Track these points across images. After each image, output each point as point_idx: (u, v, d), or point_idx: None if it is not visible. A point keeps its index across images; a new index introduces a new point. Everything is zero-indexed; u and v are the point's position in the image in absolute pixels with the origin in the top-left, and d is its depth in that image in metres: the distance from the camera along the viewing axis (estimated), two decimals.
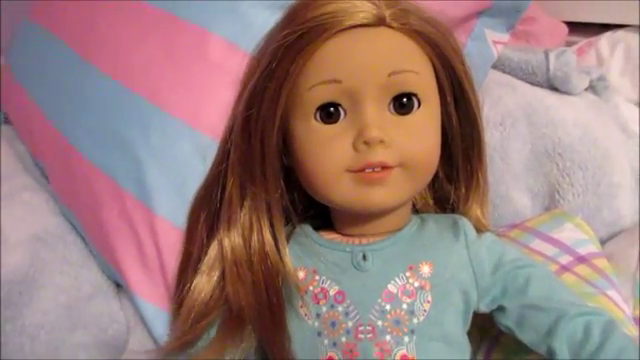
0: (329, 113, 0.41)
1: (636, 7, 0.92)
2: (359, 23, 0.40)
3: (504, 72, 0.76)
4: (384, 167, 0.40)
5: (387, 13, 0.40)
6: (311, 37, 0.40)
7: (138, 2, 0.58)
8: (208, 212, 0.46)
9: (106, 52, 0.58)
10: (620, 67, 0.92)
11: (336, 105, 0.41)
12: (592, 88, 0.75)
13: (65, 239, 0.60)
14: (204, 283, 0.44)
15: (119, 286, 0.58)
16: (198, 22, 0.53)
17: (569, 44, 0.99)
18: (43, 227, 0.60)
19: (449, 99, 0.44)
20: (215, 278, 0.44)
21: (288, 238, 0.45)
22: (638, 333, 0.47)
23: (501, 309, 0.42)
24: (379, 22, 0.40)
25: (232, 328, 0.42)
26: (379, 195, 0.40)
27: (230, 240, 0.43)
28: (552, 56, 0.73)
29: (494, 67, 0.76)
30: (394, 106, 0.41)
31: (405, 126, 0.41)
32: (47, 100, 0.64)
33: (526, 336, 0.41)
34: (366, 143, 0.39)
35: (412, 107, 0.41)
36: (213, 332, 0.44)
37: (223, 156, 0.45)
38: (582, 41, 0.98)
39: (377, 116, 0.40)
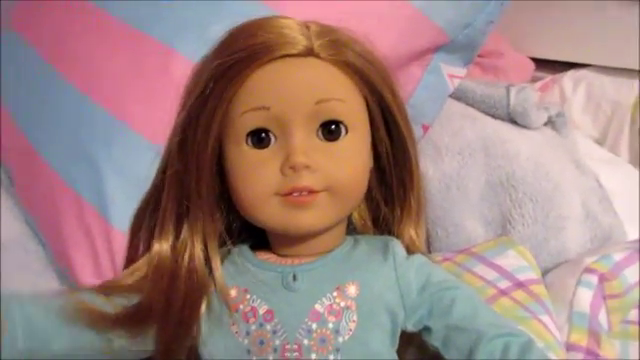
0: (260, 138, 0.42)
1: (599, 48, 0.96)
2: (288, 53, 0.41)
3: (468, 104, 0.78)
4: (310, 191, 0.41)
5: (316, 44, 0.42)
6: (242, 66, 0.41)
7: (112, 19, 0.60)
8: (149, 221, 0.47)
9: (77, 66, 0.60)
10: (582, 104, 0.96)
11: (266, 131, 0.42)
12: (552, 123, 0.78)
13: (26, 247, 0.61)
14: (124, 277, 0.46)
15: None
16: (166, 41, 0.55)
17: (535, 79, 1.03)
18: (5, 234, 0.61)
19: (379, 126, 0.46)
20: (136, 276, 0.45)
21: (225, 257, 0.46)
22: (566, 357, 0.49)
23: (428, 329, 0.43)
24: (308, 52, 0.42)
25: (134, 317, 0.43)
26: (306, 218, 0.42)
27: (160, 247, 0.44)
28: (513, 91, 0.75)
29: (458, 99, 0.78)
30: (322, 132, 0.42)
31: (332, 152, 0.42)
32: (17, 107, 0.66)
33: (451, 356, 0.42)
34: (292, 168, 0.41)
35: (339, 134, 0.42)
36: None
37: (163, 170, 0.46)
38: (547, 77, 1.02)
39: (305, 142, 0.41)
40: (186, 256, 0.44)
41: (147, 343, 0.44)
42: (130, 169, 0.53)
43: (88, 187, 0.54)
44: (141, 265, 0.45)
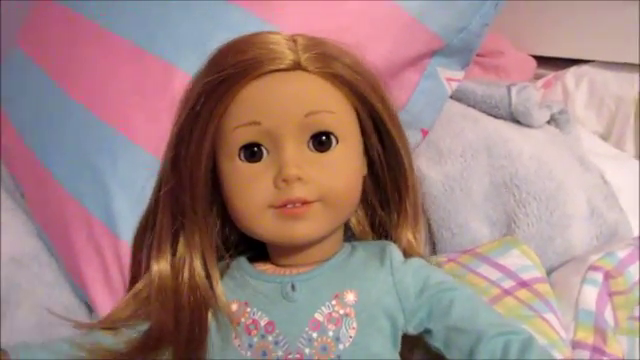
0: (252, 152, 0.43)
1: (600, 43, 0.96)
2: (276, 68, 0.42)
3: (469, 105, 0.78)
4: (304, 202, 0.42)
5: (303, 58, 0.43)
6: (232, 82, 0.42)
7: (115, 37, 0.62)
8: (149, 239, 0.48)
9: (82, 83, 0.62)
10: (585, 100, 0.95)
11: (258, 145, 0.43)
12: (554, 121, 0.78)
13: (40, 260, 0.62)
14: (126, 301, 0.47)
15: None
16: (168, 58, 0.57)
17: (538, 77, 1.03)
18: (20, 248, 0.63)
19: (370, 134, 0.47)
20: (138, 299, 0.46)
21: (224, 272, 0.47)
22: (571, 355, 0.49)
23: (428, 331, 0.44)
24: (295, 66, 0.43)
25: (147, 346, 0.44)
26: (301, 229, 0.43)
27: (159, 267, 0.45)
28: (514, 91, 0.75)
29: (459, 100, 0.79)
30: (313, 144, 0.43)
31: (323, 163, 0.43)
32: (25, 125, 0.67)
33: (453, 357, 0.42)
34: (285, 181, 0.42)
35: (330, 144, 0.43)
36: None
37: (159, 187, 0.47)
38: (549, 74, 1.02)
39: (296, 154, 0.42)
40: (186, 272, 0.45)
41: None
42: (136, 184, 0.53)
43: (96, 202, 0.55)
44: (142, 287, 0.46)
